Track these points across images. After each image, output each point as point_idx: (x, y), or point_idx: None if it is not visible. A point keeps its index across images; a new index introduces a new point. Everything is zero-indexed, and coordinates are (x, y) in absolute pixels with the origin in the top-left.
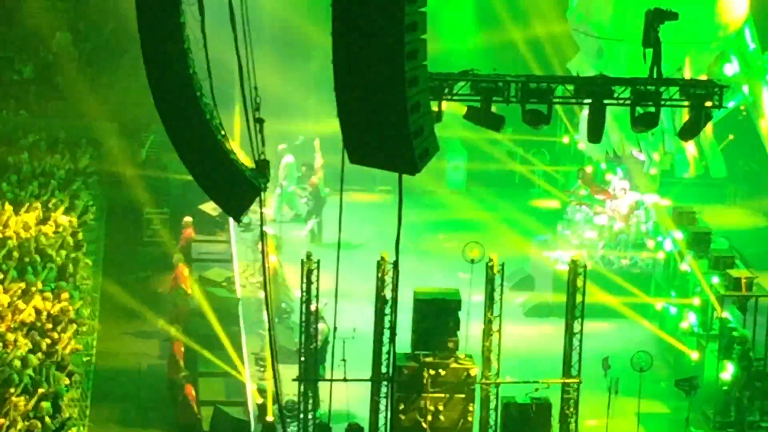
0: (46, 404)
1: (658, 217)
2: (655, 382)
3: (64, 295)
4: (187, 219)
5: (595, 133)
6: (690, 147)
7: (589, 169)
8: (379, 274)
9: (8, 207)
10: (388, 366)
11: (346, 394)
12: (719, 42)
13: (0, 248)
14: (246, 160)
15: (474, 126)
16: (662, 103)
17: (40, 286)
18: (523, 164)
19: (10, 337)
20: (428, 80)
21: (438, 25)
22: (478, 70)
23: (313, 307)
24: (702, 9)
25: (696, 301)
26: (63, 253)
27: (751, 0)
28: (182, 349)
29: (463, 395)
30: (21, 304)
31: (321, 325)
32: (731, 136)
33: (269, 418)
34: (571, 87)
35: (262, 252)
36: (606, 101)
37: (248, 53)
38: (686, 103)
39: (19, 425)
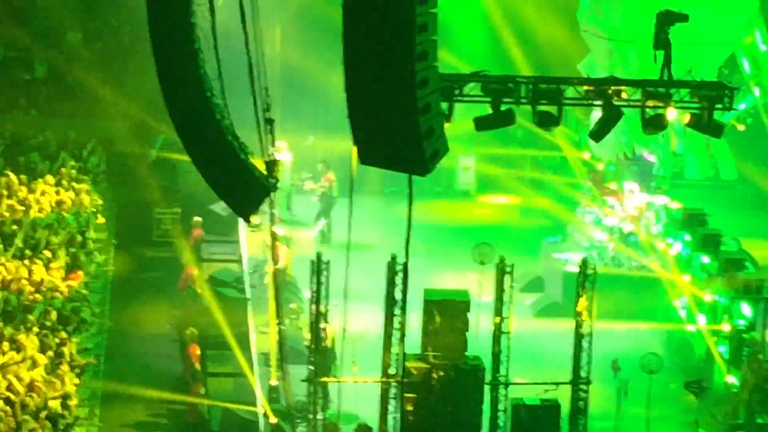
0: (55, 404)
1: (667, 219)
2: (664, 383)
3: (74, 294)
4: (197, 219)
5: (601, 134)
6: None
7: (600, 166)
8: (389, 275)
9: (18, 206)
10: (397, 366)
11: (356, 394)
12: (730, 44)
13: (8, 247)
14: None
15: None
16: (673, 104)
17: (55, 285)
18: (534, 164)
19: (22, 337)
20: (439, 81)
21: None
22: (488, 71)
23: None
24: (713, 11)
25: (708, 297)
26: (72, 251)
27: (762, 2)
28: (197, 351)
29: (472, 396)
30: (30, 303)
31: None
32: (741, 127)
33: (272, 420)
34: (581, 88)
35: (272, 252)
36: (616, 102)
37: (258, 53)
38: (697, 104)
39: (30, 425)
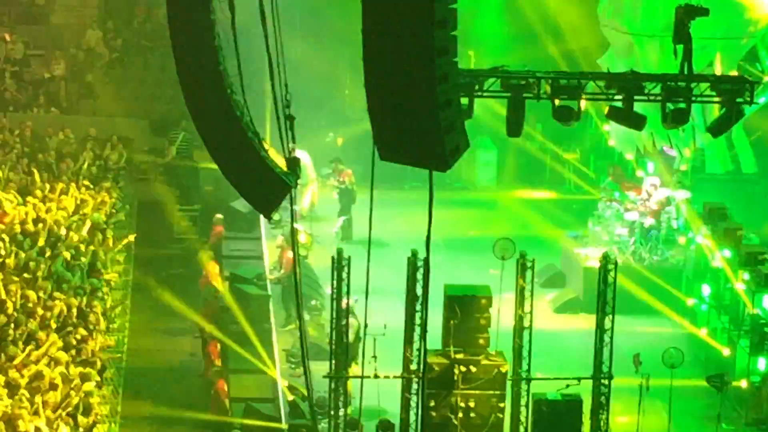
0: (76, 401)
1: (688, 214)
2: (686, 378)
3: (95, 292)
4: (218, 216)
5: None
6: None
7: (630, 156)
8: (410, 271)
9: (39, 204)
10: (418, 362)
11: (377, 390)
12: (750, 37)
13: (32, 245)
14: (276, 156)
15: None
16: (693, 99)
17: (76, 282)
18: (554, 159)
19: (42, 334)
20: (459, 77)
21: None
22: (508, 66)
23: (344, 304)
24: (733, 4)
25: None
26: (92, 249)
27: None
28: (218, 348)
29: (494, 392)
30: (51, 302)
31: (351, 320)
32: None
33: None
34: (601, 83)
35: (293, 248)
36: (636, 97)
37: (278, 49)
38: (717, 99)
39: (51, 423)
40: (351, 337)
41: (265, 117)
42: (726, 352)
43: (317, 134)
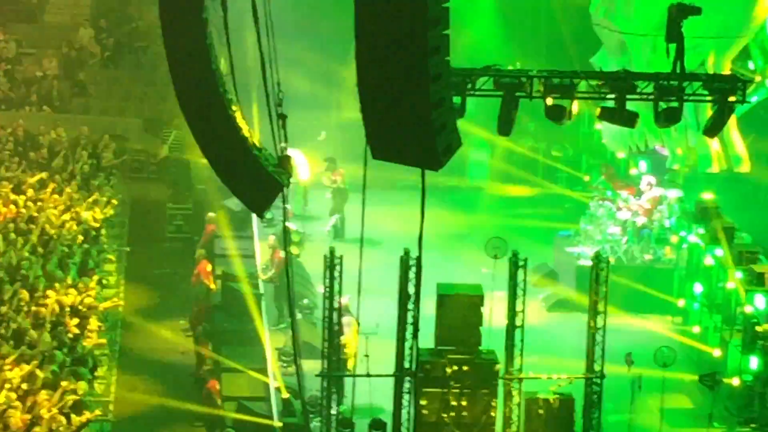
0: (69, 399)
1: (681, 212)
2: (678, 374)
3: (88, 291)
4: (210, 215)
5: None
6: (714, 143)
7: (622, 154)
8: (402, 270)
9: (30, 204)
10: (411, 361)
11: (370, 389)
12: (743, 36)
13: (24, 244)
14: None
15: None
16: (685, 98)
17: (69, 281)
18: (546, 158)
19: (34, 333)
20: (451, 75)
21: (460, 20)
22: (501, 65)
23: (336, 303)
24: (726, 3)
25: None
26: (85, 248)
27: None
28: (209, 347)
29: (486, 390)
30: (44, 300)
31: (349, 318)
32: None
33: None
34: (594, 82)
35: (285, 247)
36: (629, 96)
37: (271, 48)
38: (709, 97)
39: (44, 421)
40: (349, 334)
41: (253, 116)
42: (716, 353)
43: (309, 133)
